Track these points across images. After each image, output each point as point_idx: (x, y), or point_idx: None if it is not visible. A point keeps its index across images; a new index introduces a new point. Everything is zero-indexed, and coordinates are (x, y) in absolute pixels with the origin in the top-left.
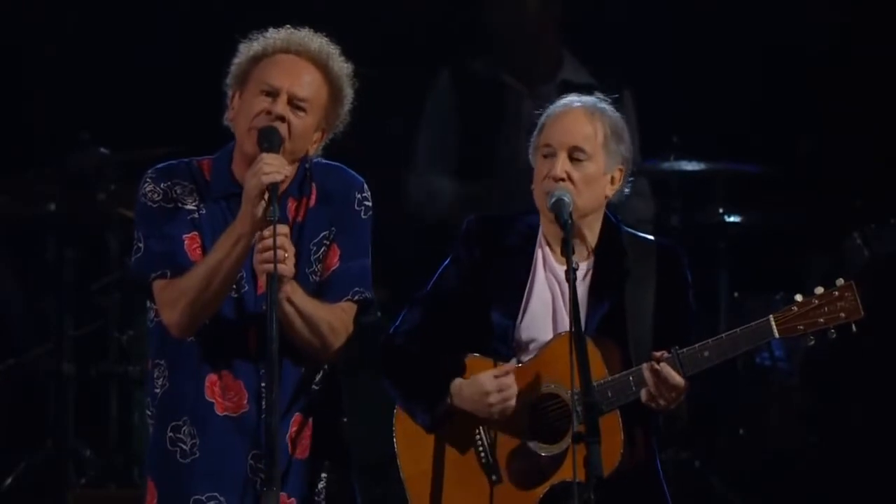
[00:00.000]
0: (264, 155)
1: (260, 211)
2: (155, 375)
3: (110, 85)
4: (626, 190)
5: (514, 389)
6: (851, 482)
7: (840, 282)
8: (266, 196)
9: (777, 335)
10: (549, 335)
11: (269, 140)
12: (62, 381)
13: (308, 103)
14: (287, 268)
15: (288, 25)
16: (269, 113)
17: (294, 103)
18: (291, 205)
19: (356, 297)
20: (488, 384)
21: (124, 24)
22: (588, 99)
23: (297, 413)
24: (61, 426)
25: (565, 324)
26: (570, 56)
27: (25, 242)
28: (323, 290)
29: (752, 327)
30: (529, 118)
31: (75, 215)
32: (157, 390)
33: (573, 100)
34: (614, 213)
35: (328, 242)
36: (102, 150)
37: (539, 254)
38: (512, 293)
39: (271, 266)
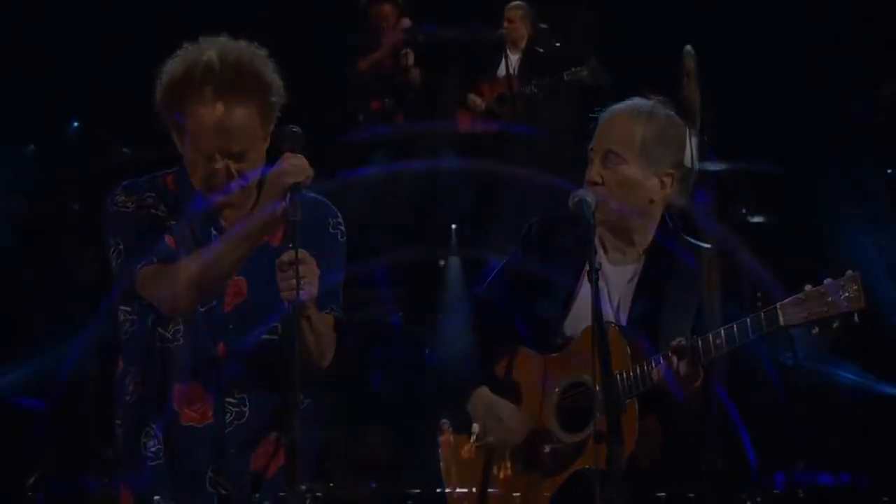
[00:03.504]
0: (288, 154)
1: (280, 211)
2: (126, 382)
3: (134, 84)
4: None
5: (520, 436)
6: (873, 484)
7: (849, 273)
8: (287, 196)
9: (783, 322)
10: None
11: (290, 140)
12: (84, 381)
13: (245, 144)
14: (308, 293)
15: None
16: (213, 175)
17: (233, 156)
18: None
19: (333, 313)
20: (506, 414)
21: (143, 23)
22: (641, 102)
23: (273, 433)
24: (83, 426)
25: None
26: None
27: (47, 242)
28: None
29: (761, 315)
30: None
31: (97, 215)
32: (128, 397)
33: (625, 103)
34: (673, 218)
35: None
36: (124, 150)
37: None
38: (560, 291)
39: (293, 293)
